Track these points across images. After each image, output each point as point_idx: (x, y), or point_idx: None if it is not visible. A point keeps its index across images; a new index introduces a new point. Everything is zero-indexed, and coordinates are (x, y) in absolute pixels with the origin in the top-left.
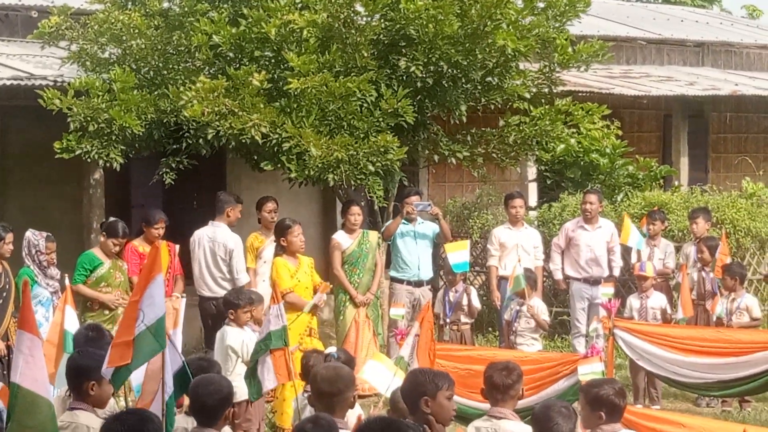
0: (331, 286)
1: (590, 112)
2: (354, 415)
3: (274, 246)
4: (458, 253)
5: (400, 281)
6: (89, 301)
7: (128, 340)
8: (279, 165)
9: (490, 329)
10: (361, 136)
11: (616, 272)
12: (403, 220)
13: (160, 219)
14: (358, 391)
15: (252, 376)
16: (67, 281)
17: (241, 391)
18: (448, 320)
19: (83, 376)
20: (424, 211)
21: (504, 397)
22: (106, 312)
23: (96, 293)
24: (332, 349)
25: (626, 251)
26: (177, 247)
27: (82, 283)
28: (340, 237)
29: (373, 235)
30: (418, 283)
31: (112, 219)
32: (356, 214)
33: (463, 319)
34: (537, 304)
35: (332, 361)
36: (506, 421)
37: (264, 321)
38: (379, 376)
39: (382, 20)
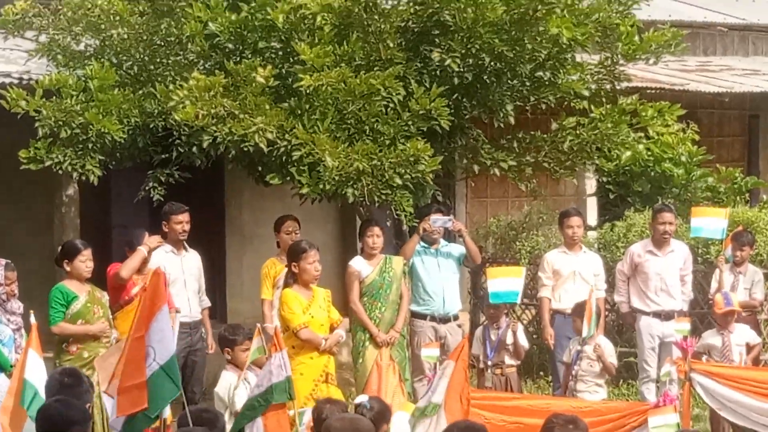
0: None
1: (661, 113)
2: None
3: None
4: (503, 281)
5: (422, 316)
6: (65, 342)
7: (140, 382)
8: (288, 178)
9: (541, 373)
10: (387, 142)
11: (685, 306)
12: (422, 243)
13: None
14: None
15: None
16: (32, 319)
17: None
18: (489, 363)
19: (64, 430)
20: (444, 228)
21: None
22: (86, 354)
23: (83, 327)
24: (363, 398)
25: (704, 279)
26: (168, 275)
27: (62, 321)
28: (358, 264)
29: (398, 262)
30: (444, 319)
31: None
32: (375, 235)
33: (508, 360)
34: (603, 344)
35: (364, 412)
36: None
37: (263, 372)
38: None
39: (411, 4)
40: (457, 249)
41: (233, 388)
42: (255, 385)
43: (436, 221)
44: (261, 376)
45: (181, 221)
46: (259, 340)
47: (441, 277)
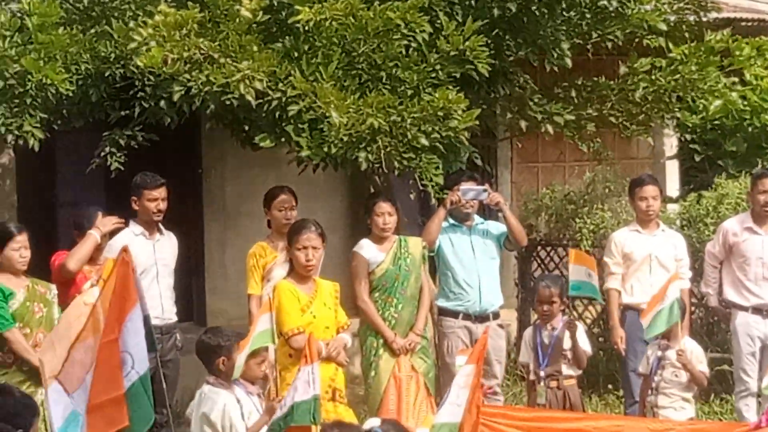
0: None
1: (761, 51)
2: None
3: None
4: (583, 270)
5: (454, 314)
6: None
7: (117, 395)
8: (283, 139)
9: (609, 386)
10: (409, 93)
11: None
12: (452, 220)
13: (105, 214)
14: None
15: None
16: None
17: None
18: (542, 373)
19: None
20: (478, 200)
21: None
22: (26, 368)
23: (30, 353)
24: (374, 422)
25: None
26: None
27: (15, 326)
28: (367, 249)
29: (416, 245)
30: (482, 316)
31: None
32: (386, 213)
33: (566, 370)
34: (691, 348)
35: None
36: None
37: (289, 390)
38: None
39: None
40: (497, 227)
41: (227, 410)
42: (280, 406)
43: (467, 192)
44: (286, 394)
45: (157, 198)
46: (268, 320)
47: (476, 264)
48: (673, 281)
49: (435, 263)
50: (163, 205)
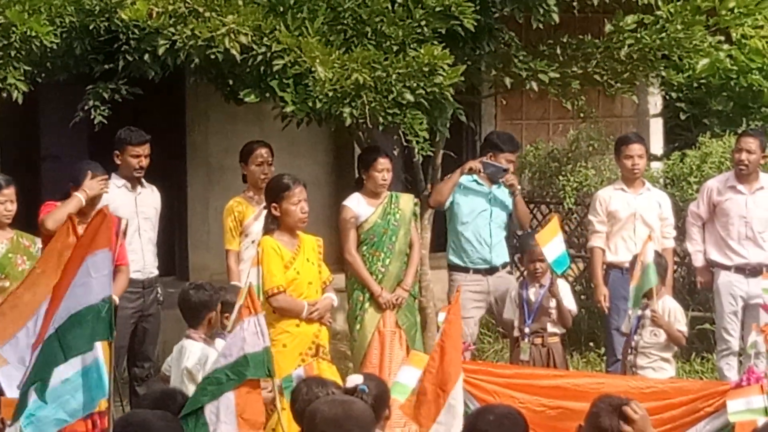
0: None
1: (748, 10)
2: None
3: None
4: (554, 244)
5: (464, 269)
6: None
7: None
8: (267, 94)
9: (591, 344)
10: (394, 48)
11: None
12: (473, 177)
13: (95, 174)
14: None
15: (195, 420)
16: None
17: None
18: (526, 330)
19: None
20: (495, 176)
21: None
22: None
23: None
24: (357, 379)
25: None
26: (125, 222)
27: None
28: (355, 203)
29: (406, 201)
30: (490, 270)
31: None
32: (385, 169)
33: (551, 328)
34: (670, 307)
35: (363, 397)
36: None
37: (231, 339)
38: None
39: None
40: (510, 200)
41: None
42: (220, 355)
43: (488, 167)
44: (229, 344)
45: (140, 155)
46: (255, 275)
47: (489, 224)
48: (647, 243)
49: (446, 220)
50: (145, 162)
